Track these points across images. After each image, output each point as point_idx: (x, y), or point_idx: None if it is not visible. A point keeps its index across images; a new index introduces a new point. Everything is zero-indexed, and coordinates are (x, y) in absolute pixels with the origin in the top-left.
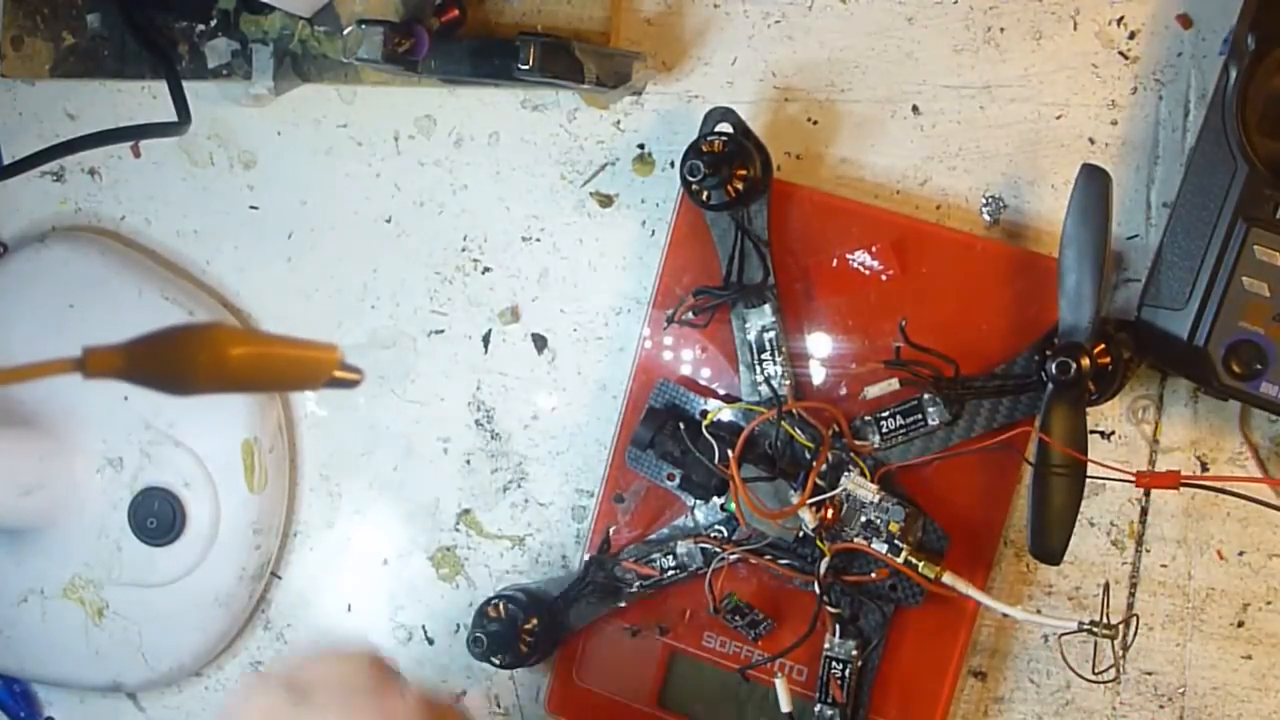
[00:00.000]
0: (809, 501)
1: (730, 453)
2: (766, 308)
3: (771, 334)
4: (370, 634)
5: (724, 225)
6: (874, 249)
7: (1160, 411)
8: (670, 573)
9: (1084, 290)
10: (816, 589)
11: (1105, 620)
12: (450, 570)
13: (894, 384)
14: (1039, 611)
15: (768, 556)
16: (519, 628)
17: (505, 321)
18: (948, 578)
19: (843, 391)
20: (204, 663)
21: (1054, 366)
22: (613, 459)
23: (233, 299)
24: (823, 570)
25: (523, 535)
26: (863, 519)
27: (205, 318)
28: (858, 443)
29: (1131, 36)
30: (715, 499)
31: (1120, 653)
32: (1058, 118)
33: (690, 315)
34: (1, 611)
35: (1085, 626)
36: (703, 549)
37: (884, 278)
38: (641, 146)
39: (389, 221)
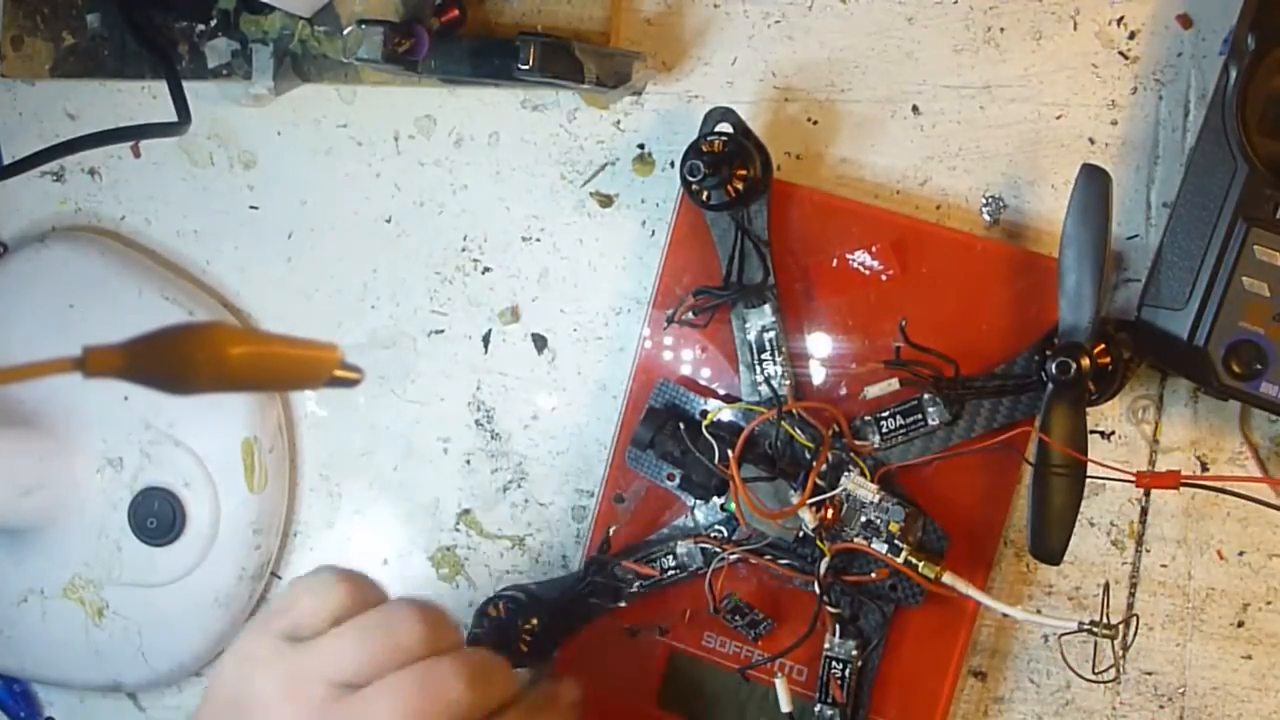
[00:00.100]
0: (809, 501)
1: (730, 453)
2: (766, 308)
3: (771, 334)
4: None
5: (724, 225)
6: (874, 249)
7: (1160, 411)
8: (670, 573)
9: (1084, 290)
10: (816, 589)
11: (1105, 620)
12: (450, 570)
13: (894, 384)
14: (1039, 611)
15: (768, 556)
16: (519, 628)
17: (505, 321)
18: (948, 578)
19: (843, 391)
20: (204, 663)
21: (1054, 366)
22: (613, 459)
23: (233, 299)
24: (823, 570)
25: (523, 535)
26: (863, 519)
27: (205, 318)
28: (858, 443)
29: (1131, 36)
30: (715, 499)
31: (1120, 653)
32: (1058, 118)
33: (690, 315)
34: (1, 611)
35: (1085, 626)
36: (703, 549)
37: (884, 278)
38: (641, 146)
39: (389, 221)
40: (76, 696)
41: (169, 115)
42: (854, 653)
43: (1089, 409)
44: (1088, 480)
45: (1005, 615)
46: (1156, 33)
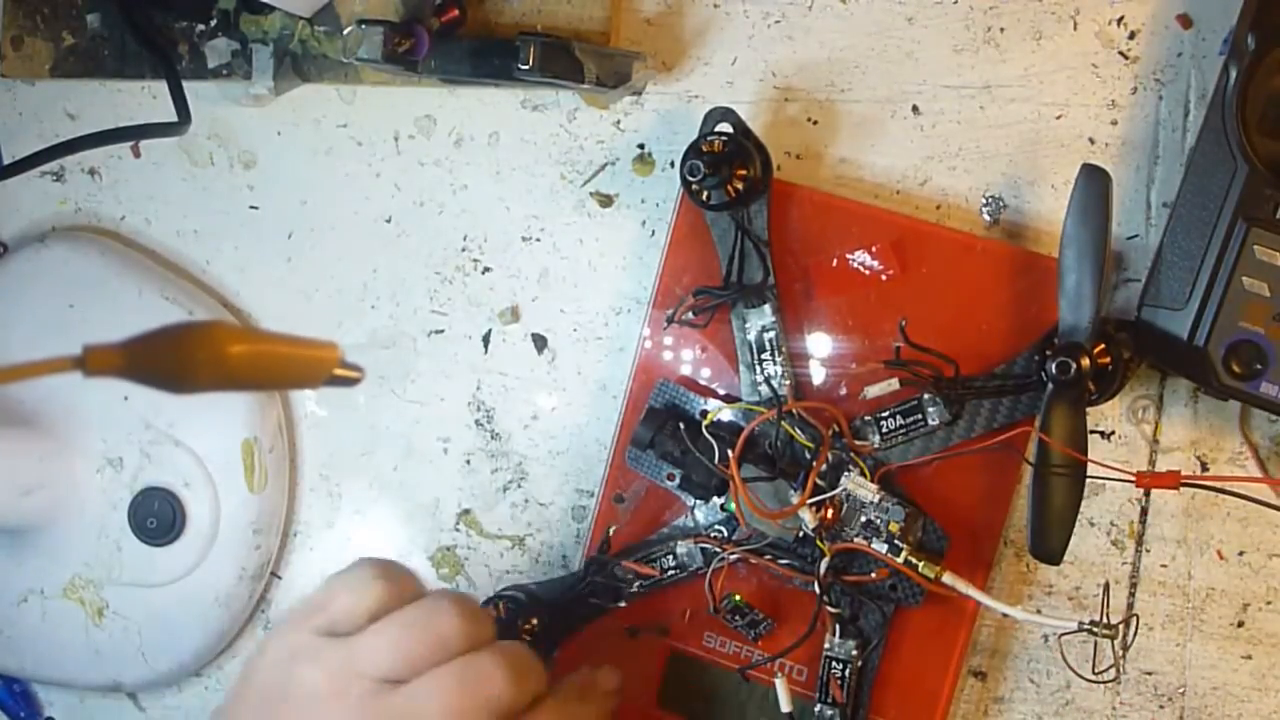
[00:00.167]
0: (809, 501)
1: (730, 453)
2: (766, 308)
3: (771, 334)
4: None
5: (724, 225)
6: (874, 249)
7: (1160, 411)
8: (670, 573)
9: (1084, 290)
10: (816, 589)
11: (1105, 620)
12: (450, 570)
13: (894, 384)
14: (1039, 611)
15: (768, 556)
16: (519, 628)
17: (505, 321)
18: (948, 578)
19: (843, 391)
20: (204, 663)
21: (1054, 366)
22: (613, 459)
23: (233, 299)
24: (823, 570)
25: (523, 535)
26: (863, 519)
27: (205, 317)
28: (858, 443)
29: (1131, 36)
30: (715, 499)
31: (1120, 653)
32: (1058, 118)
33: (690, 315)
34: (1, 611)
35: (1085, 626)
36: (703, 549)
37: (884, 278)
38: (641, 146)
39: (389, 221)
40: (76, 696)
41: (169, 115)
42: (854, 653)
43: (1089, 409)
44: (1088, 480)
45: (1005, 615)
46: (1156, 33)
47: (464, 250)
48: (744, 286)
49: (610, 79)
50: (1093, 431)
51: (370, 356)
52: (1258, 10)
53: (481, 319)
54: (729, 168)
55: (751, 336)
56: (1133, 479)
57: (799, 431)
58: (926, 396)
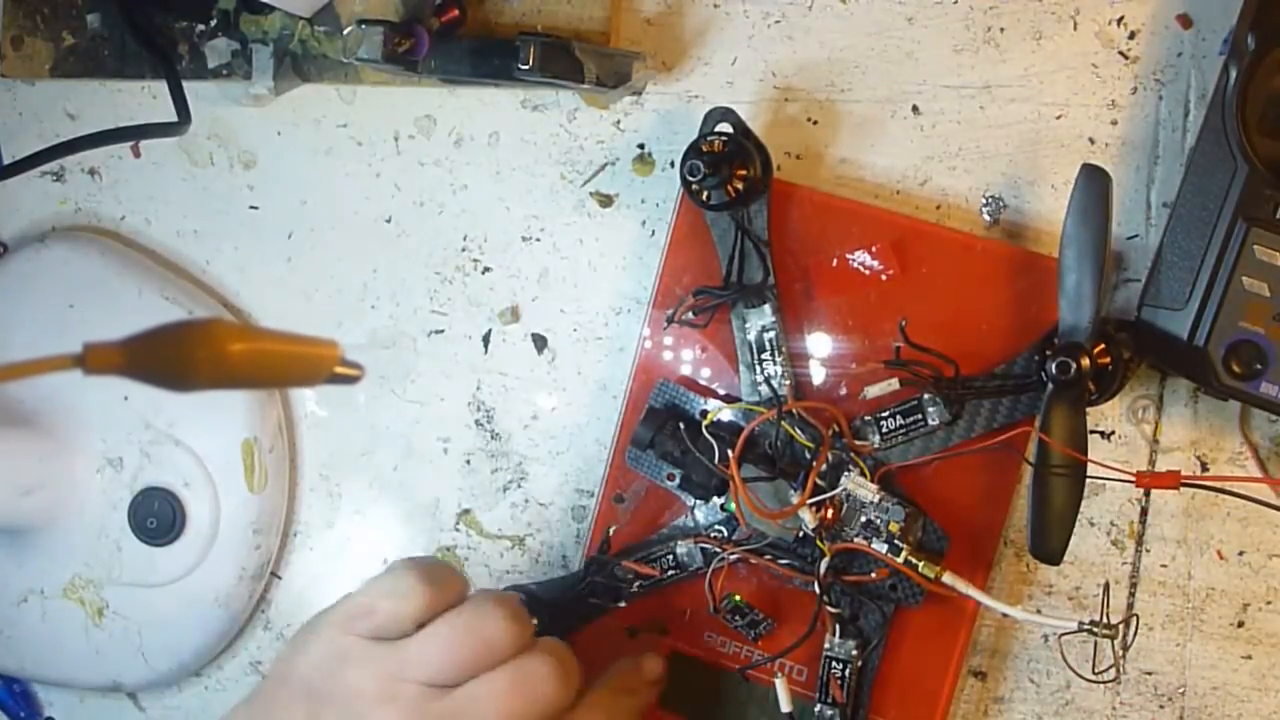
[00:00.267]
0: (809, 501)
1: (730, 453)
2: (766, 308)
3: (771, 334)
4: None
5: (724, 225)
6: (874, 249)
7: (1160, 411)
8: (670, 573)
9: (1084, 290)
10: (816, 589)
11: (1105, 620)
12: None
13: (894, 384)
14: (1039, 611)
15: (768, 556)
16: None
17: (505, 321)
18: (948, 578)
19: (843, 391)
20: (204, 663)
21: (1054, 366)
22: (613, 459)
23: (233, 299)
24: (823, 570)
25: (523, 535)
26: (863, 519)
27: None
28: (858, 443)
29: (1131, 36)
30: (715, 499)
31: (1120, 653)
32: (1058, 118)
33: (690, 315)
34: (1, 611)
35: (1085, 626)
36: (703, 549)
37: (884, 278)
38: (641, 146)
39: (389, 221)
40: (76, 696)
41: (169, 115)
42: (854, 653)
43: (1089, 409)
44: (1088, 480)
45: (1005, 615)
46: (1156, 33)
47: (464, 250)
48: (744, 286)
49: (610, 79)
50: (1093, 431)
51: (370, 356)
52: (1258, 10)
53: (481, 319)
54: (729, 168)
55: (751, 336)
56: (1133, 479)
57: (799, 431)
58: (926, 396)
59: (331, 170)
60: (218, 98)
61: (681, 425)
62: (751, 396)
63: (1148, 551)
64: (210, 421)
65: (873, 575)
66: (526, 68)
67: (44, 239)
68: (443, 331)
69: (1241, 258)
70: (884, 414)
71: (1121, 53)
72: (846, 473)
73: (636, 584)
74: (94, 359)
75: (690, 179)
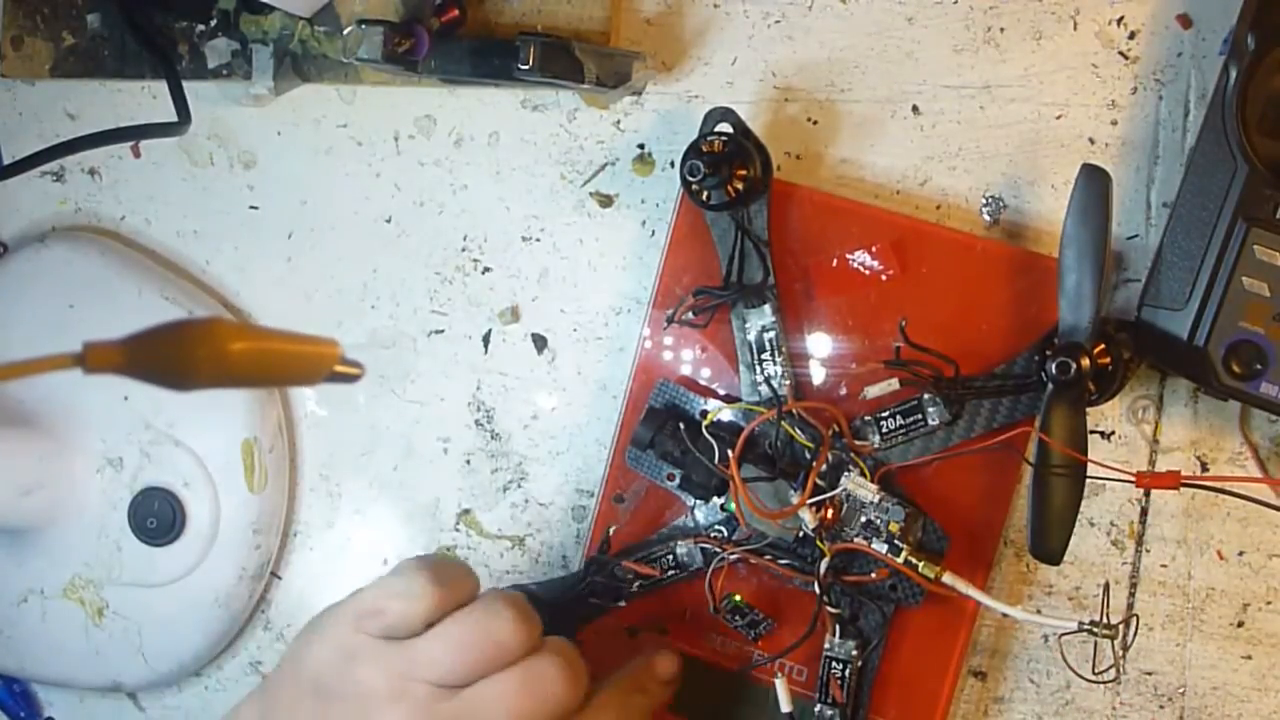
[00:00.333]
0: (809, 501)
1: (730, 453)
2: (766, 308)
3: (771, 334)
4: None
5: (724, 225)
6: (874, 249)
7: (1160, 411)
8: (670, 573)
9: (1084, 290)
10: (816, 589)
11: (1105, 620)
12: None
13: (894, 384)
14: (1039, 611)
15: (768, 556)
16: None
17: (505, 321)
18: (948, 578)
19: (843, 391)
20: (204, 663)
21: (1054, 366)
22: (613, 459)
23: (233, 299)
24: (823, 570)
25: (523, 535)
26: (863, 519)
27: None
28: (858, 443)
29: (1131, 36)
30: (715, 499)
31: (1120, 653)
32: (1058, 118)
33: (690, 315)
34: (1, 611)
35: (1085, 626)
36: (703, 549)
37: (884, 278)
38: (641, 146)
39: (389, 221)
40: (76, 696)
41: (169, 115)
42: (854, 653)
43: (1089, 409)
44: (1088, 480)
45: (1005, 615)
46: (1156, 33)
47: (464, 250)
48: (744, 286)
49: (610, 79)
50: (1093, 431)
51: (370, 356)
52: (1258, 10)
53: (481, 319)
54: (729, 168)
55: (751, 336)
56: (1133, 479)
57: (799, 431)
58: (926, 396)
59: (331, 170)
60: (218, 98)
61: (681, 425)
62: (751, 396)
63: (1148, 551)
64: (210, 421)
65: (873, 575)
66: (526, 68)
67: (44, 239)
68: (443, 331)
69: (1241, 258)
70: (884, 414)
71: (1121, 53)
72: (846, 473)
73: (636, 584)
74: (94, 358)
75: (690, 179)
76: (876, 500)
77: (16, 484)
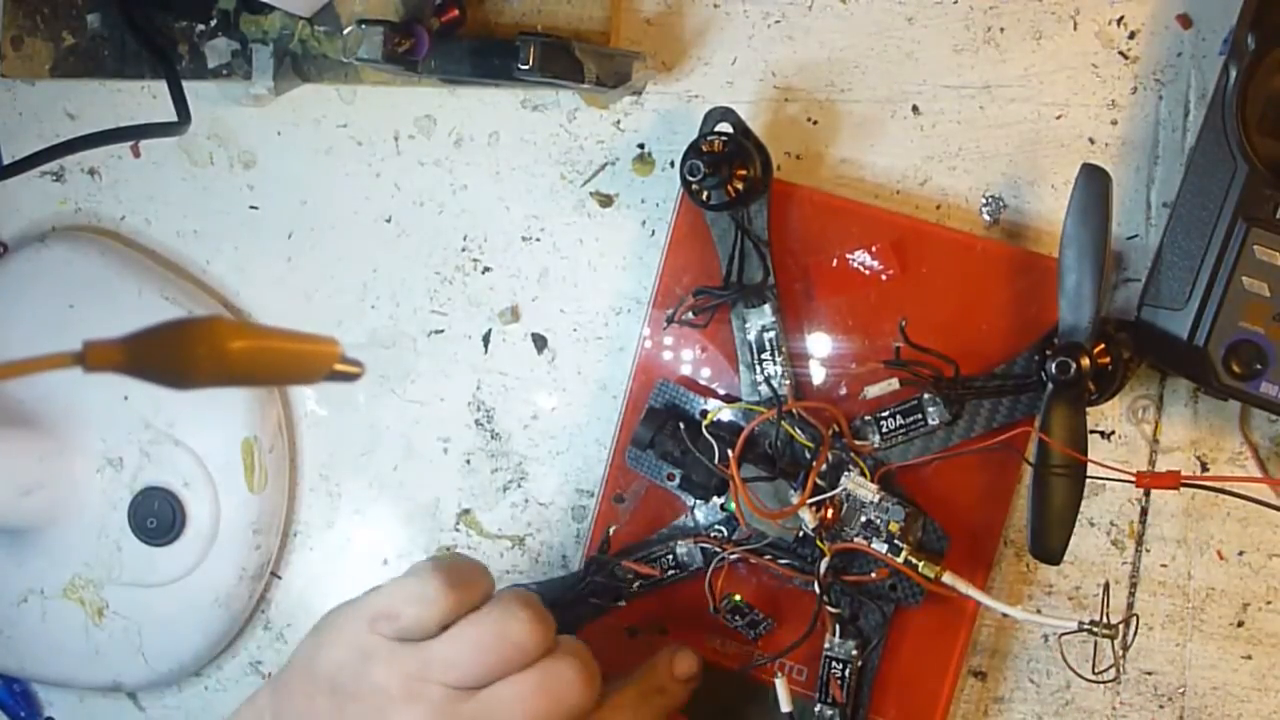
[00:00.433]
0: (809, 501)
1: (730, 453)
2: (766, 308)
3: (771, 334)
4: None
5: (724, 225)
6: (874, 249)
7: (1160, 411)
8: (670, 573)
9: (1084, 290)
10: (816, 589)
11: (1105, 620)
12: None
13: (894, 384)
14: (1039, 611)
15: (768, 556)
16: None
17: (505, 321)
18: (948, 578)
19: (843, 391)
20: (204, 663)
21: (1054, 366)
22: (613, 459)
23: (233, 299)
24: (823, 570)
25: (523, 535)
26: (863, 519)
27: None
28: (858, 443)
29: (1131, 36)
30: (715, 499)
31: (1120, 653)
32: (1058, 118)
33: (690, 315)
34: (1, 611)
35: (1085, 626)
36: (703, 549)
37: (884, 278)
38: (641, 146)
39: (389, 221)
40: (76, 696)
41: (169, 115)
42: (854, 653)
43: (1089, 409)
44: (1088, 480)
45: (1005, 615)
46: (1156, 33)
47: (464, 250)
48: (744, 286)
49: (610, 79)
50: (1093, 431)
51: (370, 356)
52: (1258, 10)
53: (481, 319)
54: (729, 168)
55: (751, 336)
56: (1133, 479)
57: (799, 431)
58: (926, 396)
59: (331, 170)
60: (218, 98)
61: (681, 425)
62: (751, 396)
63: (1148, 551)
64: (210, 421)
65: (873, 575)
66: (526, 68)
67: (44, 239)
68: (443, 331)
69: (1241, 258)
70: (884, 414)
71: (1121, 53)
72: (846, 473)
73: (636, 584)
74: (94, 356)
75: (690, 179)
76: (876, 500)
77: (16, 484)
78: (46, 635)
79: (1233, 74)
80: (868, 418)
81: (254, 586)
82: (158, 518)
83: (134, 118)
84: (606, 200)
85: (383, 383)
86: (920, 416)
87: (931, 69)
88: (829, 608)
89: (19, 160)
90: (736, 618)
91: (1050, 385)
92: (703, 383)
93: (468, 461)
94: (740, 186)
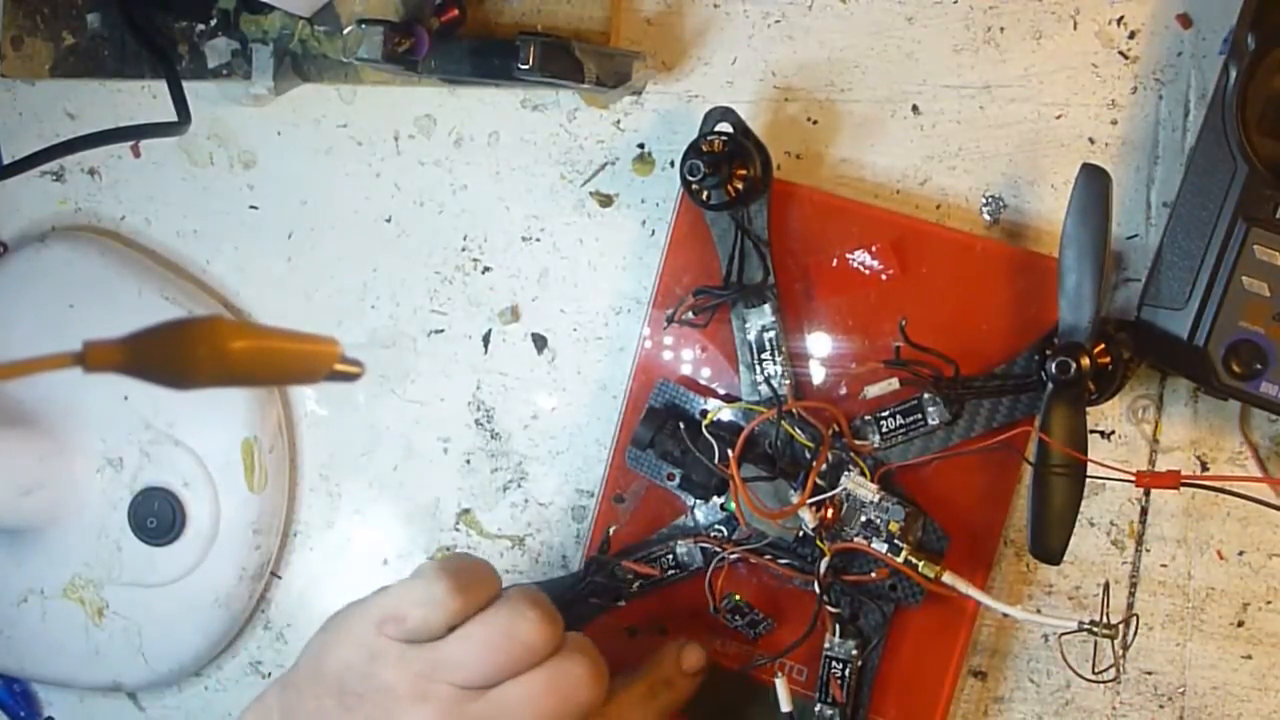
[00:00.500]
0: (809, 501)
1: (730, 452)
2: (766, 308)
3: (771, 334)
4: None
5: (724, 225)
6: (874, 249)
7: (1160, 411)
8: (670, 573)
9: (1084, 290)
10: (816, 589)
11: (1105, 620)
12: None
13: (894, 384)
14: (1039, 611)
15: (768, 556)
16: None
17: (505, 321)
18: (948, 578)
19: (843, 391)
20: (204, 663)
21: (1054, 366)
22: (613, 459)
23: (233, 299)
24: (823, 570)
25: (523, 535)
26: (863, 519)
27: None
28: (858, 442)
29: (1131, 36)
30: (715, 499)
31: (1120, 653)
32: (1058, 118)
33: (690, 315)
34: (1, 611)
35: (1085, 626)
36: (703, 549)
37: (884, 278)
38: (641, 146)
39: (389, 221)
40: (76, 696)
41: (169, 115)
42: (854, 652)
43: (1089, 409)
44: (1088, 480)
45: (1005, 615)
46: (1156, 33)
47: (464, 250)
48: (744, 286)
49: (610, 79)
50: (1093, 431)
51: (370, 356)
52: (1258, 10)
53: (481, 319)
54: (729, 167)
55: (751, 336)
56: (1133, 479)
57: (799, 431)
58: (926, 396)
59: (331, 170)
60: (218, 98)
61: (681, 425)
62: (751, 396)
63: (1148, 551)
64: (210, 421)
65: (873, 575)
66: (526, 68)
67: (44, 239)
68: (443, 331)
69: (1241, 258)
70: (884, 414)
71: (1121, 53)
72: (846, 472)
73: (636, 584)
74: (94, 356)
75: (690, 179)
76: (876, 500)
77: (16, 484)
78: (46, 635)
79: (1233, 74)
80: (868, 418)
81: (254, 586)
82: (158, 518)
83: (134, 118)
84: (606, 200)
85: (383, 383)
86: (920, 416)
87: (931, 69)
88: (829, 608)
89: (19, 160)
90: (736, 618)
91: (1050, 385)
92: (703, 383)
93: (468, 461)
94: (740, 186)
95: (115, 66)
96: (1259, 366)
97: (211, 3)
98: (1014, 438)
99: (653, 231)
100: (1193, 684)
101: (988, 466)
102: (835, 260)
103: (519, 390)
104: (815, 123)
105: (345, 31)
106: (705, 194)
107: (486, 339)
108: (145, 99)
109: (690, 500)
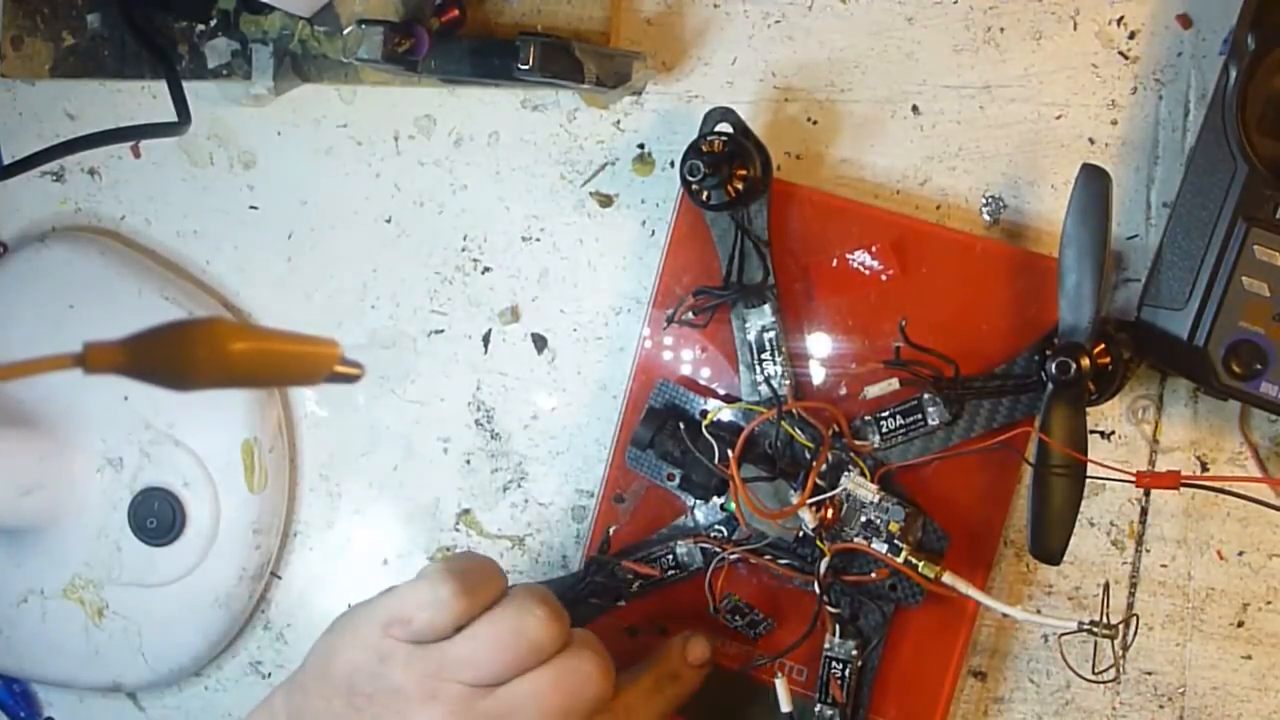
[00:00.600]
0: (809, 501)
1: (730, 453)
2: (766, 308)
3: (771, 334)
4: None
5: (724, 225)
6: (874, 249)
7: (1160, 411)
8: (670, 573)
9: (1084, 290)
10: (816, 589)
11: (1105, 620)
12: None
13: (894, 384)
14: (1039, 611)
15: (768, 556)
16: None
17: (505, 321)
18: (948, 578)
19: (843, 391)
20: (204, 663)
21: (1054, 366)
22: (613, 459)
23: (233, 299)
24: (823, 570)
25: (523, 535)
26: (863, 519)
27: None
28: (858, 443)
29: (1131, 36)
30: (715, 499)
31: (1120, 653)
32: (1058, 118)
33: (690, 315)
34: (1, 611)
35: (1085, 626)
36: (703, 549)
37: (884, 278)
38: (641, 146)
39: (389, 221)
40: (76, 696)
41: (169, 115)
42: (854, 653)
43: (1089, 409)
44: (1088, 480)
45: (1005, 615)
46: (1156, 33)
47: (464, 250)
48: (744, 286)
49: (610, 79)
50: (1093, 431)
51: (370, 356)
52: (1258, 10)
53: (481, 319)
54: (729, 168)
55: (751, 336)
56: (1133, 479)
57: (799, 431)
58: (926, 396)
59: (331, 170)
60: (218, 98)
61: (681, 425)
62: (751, 396)
63: (1148, 551)
64: (210, 421)
65: (873, 575)
66: (526, 68)
67: (44, 239)
68: (443, 331)
69: (1241, 258)
70: (884, 414)
71: (1121, 53)
72: (846, 473)
73: (636, 584)
74: (94, 358)
75: (690, 179)
76: (876, 500)
77: (16, 484)
78: (46, 635)
79: (1233, 74)
80: (868, 418)
81: (254, 586)
82: (158, 518)
83: (134, 118)
84: (606, 200)
85: (383, 383)
86: (920, 416)
87: (931, 69)
88: (829, 608)
89: (19, 160)
90: (736, 618)
91: (1050, 385)
92: (703, 383)
93: (468, 461)
94: (740, 186)
95: (115, 67)
96: (1259, 367)
97: (211, 3)
98: (1014, 438)
99: (653, 231)
100: (1193, 684)
101: (988, 467)
102: (835, 260)
103: (519, 390)
104: (815, 123)
105: (345, 32)
106: (705, 194)
107: (486, 339)
108: (145, 99)
109: (690, 500)
